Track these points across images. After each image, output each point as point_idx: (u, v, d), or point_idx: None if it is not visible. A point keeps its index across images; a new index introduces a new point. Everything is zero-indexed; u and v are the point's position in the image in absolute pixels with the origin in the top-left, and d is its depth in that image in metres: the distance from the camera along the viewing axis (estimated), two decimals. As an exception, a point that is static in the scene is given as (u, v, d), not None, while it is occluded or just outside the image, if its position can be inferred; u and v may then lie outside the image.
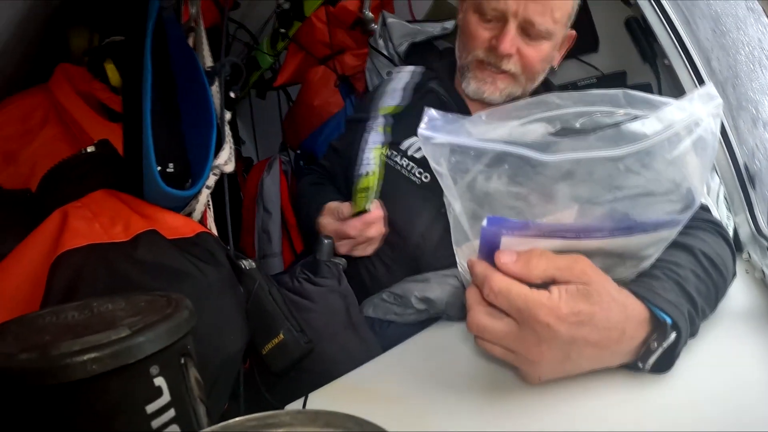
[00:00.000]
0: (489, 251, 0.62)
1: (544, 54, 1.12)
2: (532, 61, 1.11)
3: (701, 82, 1.08)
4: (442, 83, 1.26)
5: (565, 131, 0.65)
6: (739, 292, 0.87)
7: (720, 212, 1.09)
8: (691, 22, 1.15)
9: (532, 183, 0.60)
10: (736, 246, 0.93)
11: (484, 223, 0.59)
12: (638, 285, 0.68)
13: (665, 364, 0.66)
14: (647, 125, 0.58)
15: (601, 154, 0.58)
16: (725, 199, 1.08)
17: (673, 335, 0.64)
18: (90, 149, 0.92)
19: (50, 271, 0.67)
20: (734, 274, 0.84)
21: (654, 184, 0.61)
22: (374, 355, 0.89)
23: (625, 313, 0.62)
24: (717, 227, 0.87)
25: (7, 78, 1.20)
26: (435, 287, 1.01)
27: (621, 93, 0.64)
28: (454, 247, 0.70)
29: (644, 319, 0.64)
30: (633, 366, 0.67)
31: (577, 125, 0.65)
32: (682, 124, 0.59)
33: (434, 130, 0.63)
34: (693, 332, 0.70)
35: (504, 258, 0.60)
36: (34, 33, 1.24)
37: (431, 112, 0.65)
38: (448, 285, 1.00)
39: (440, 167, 0.64)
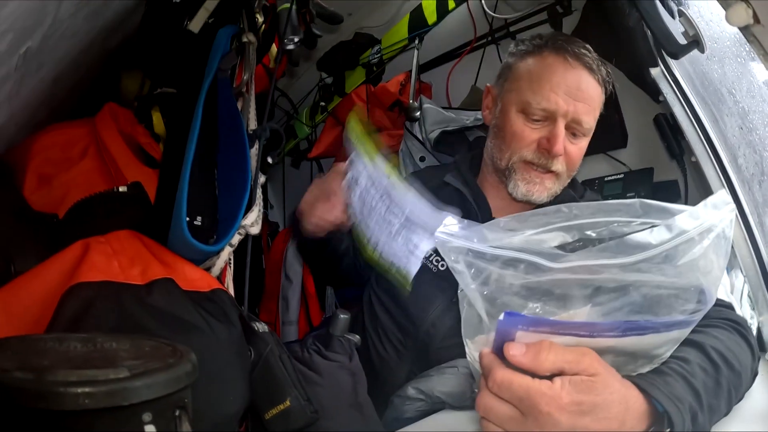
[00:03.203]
0: (502, 345, 0.62)
1: (583, 151, 1.14)
2: (575, 159, 1.13)
3: (727, 179, 1.08)
4: (461, 176, 1.27)
5: (582, 241, 0.66)
6: (761, 393, 0.84)
7: (744, 311, 1.06)
8: (718, 119, 1.16)
9: (543, 287, 0.62)
10: (760, 346, 0.90)
11: (501, 317, 0.60)
12: (642, 378, 0.67)
13: None
14: (655, 235, 0.60)
15: (608, 261, 0.59)
16: (749, 297, 1.05)
17: (668, 430, 0.63)
18: (122, 189, 0.94)
19: (61, 299, 0.66)
20: (755, 373, 0.82)
21: (664, 289, 0.62)
22: (376, 439, 0.84)
23: (626, 405, 0.62)
24: (735, 325, 0.84)
25: (56, 105, 1.25)
26: (445, 381, 0.98)
27: (638, 203, 0.66)
28: (464, 339, 0.70)
29: (644, 412, 0.64)
30: None
31: (594, 235, 0.67)
32: (694, 231, 0.60)
33: (451, 235, 0.66)
34: (695, 428, 0.67)
35: (513, 350, 0.61)
36: (89, 68, 1.30)
37: (449, 219, 0.68)
38: (451, 376, 0.97)
39: (458, 265, 0.66)
